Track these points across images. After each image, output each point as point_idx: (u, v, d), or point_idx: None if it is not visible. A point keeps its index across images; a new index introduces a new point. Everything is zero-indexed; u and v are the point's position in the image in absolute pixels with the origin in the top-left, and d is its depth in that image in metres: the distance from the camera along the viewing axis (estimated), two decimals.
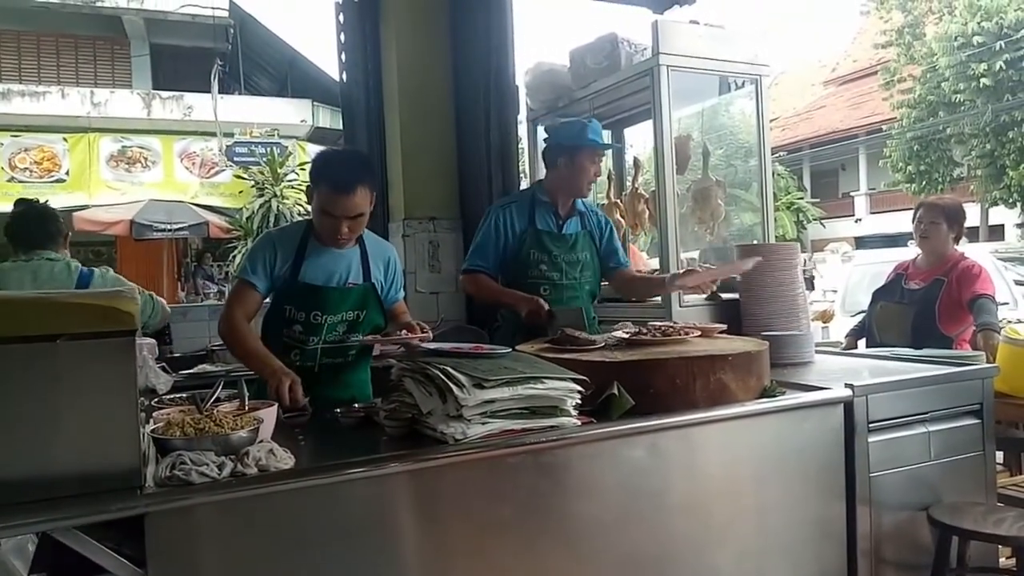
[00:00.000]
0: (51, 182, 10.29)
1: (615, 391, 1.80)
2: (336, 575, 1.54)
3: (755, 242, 3.54)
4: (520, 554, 1.71)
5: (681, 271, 2.80)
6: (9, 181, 10.07)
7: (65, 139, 10.40)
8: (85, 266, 2.91)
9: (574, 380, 1.76)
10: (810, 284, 10.04)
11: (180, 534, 1.42)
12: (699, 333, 2.22)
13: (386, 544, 1.59)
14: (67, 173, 10.36)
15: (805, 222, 22.52)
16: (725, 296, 3.16)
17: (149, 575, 1.37)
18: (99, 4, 11.32)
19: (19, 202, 3.06)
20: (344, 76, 4.43)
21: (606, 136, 4.61)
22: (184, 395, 2.00)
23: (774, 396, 2.00)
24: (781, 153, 22.76)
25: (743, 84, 3.69)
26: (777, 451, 1.98)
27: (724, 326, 2.40)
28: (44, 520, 1.30)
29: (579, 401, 1.76)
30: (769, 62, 3.59)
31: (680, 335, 2.13)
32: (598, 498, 1.77)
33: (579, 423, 1.75)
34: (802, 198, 23.25)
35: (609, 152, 4.66)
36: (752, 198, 3.93)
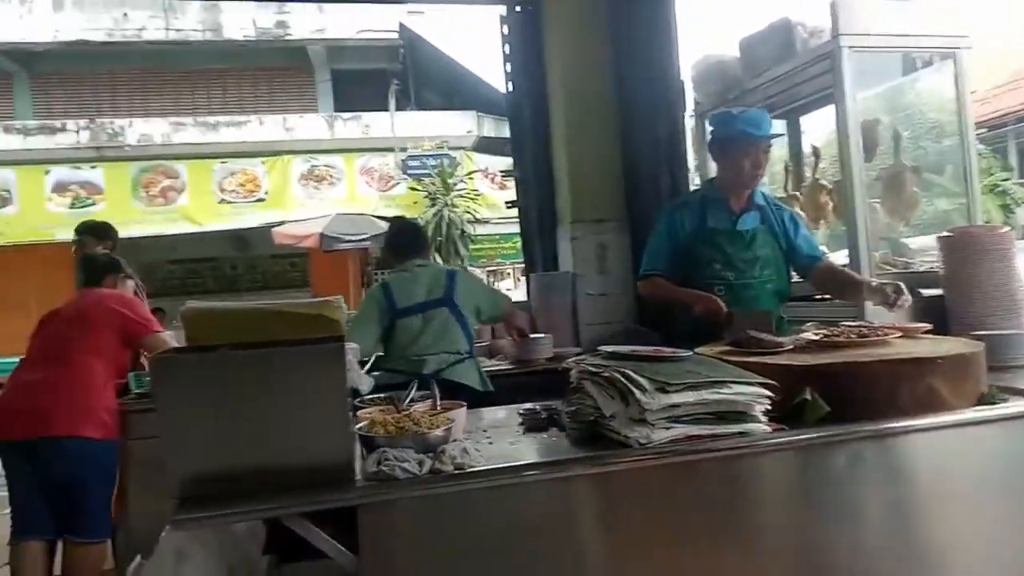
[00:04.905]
0: (253, 202, 11.47)
1: (808, 396, 1.71)
2: (520, 572, 1.59)
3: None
4: (704, 564, 1.66)
5: (875, 282, 2.55)
6: (220, 203, 11.37)
7: (263, 162, 11.55)
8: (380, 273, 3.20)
9: (763, 385, 1.69)
10: None
11: (386, 525, 1.53)
12: (900, 334, 2.04)
13: (569, 545, 1.61)
14: (266, 193, 11.50)
15: (1013, 206, 19.97)
16: (927, 292, 2.89)
17: (361, 561, 1.49)
18: (287, 37, 12.49)
19: (396, 219, 3.51)
20: (510, 86, 4.57)
21: (779, 126, 4.41)
22: (382, 395, 2.15)
23: (995, 403, 1.80)
24: (981, 130, 20.35)
25: (930, 60, 3.37)
26: (1000, 465, 1.78)
27: (929, 326, 2.20)
28: (276, 507, 1.46)
29: (769, 407, 1.69)
30: (967, 33, 3.25)
31: (879, 336, 1.98)
32: (790, 510, 1.69)
33: (769, 429, 1.68)
34: (1008, 179, 20.64)
35: (784, 142, 4.46)
36: (946, 182, 3.62)
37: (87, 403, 2.84)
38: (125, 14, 11.83)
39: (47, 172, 11.00)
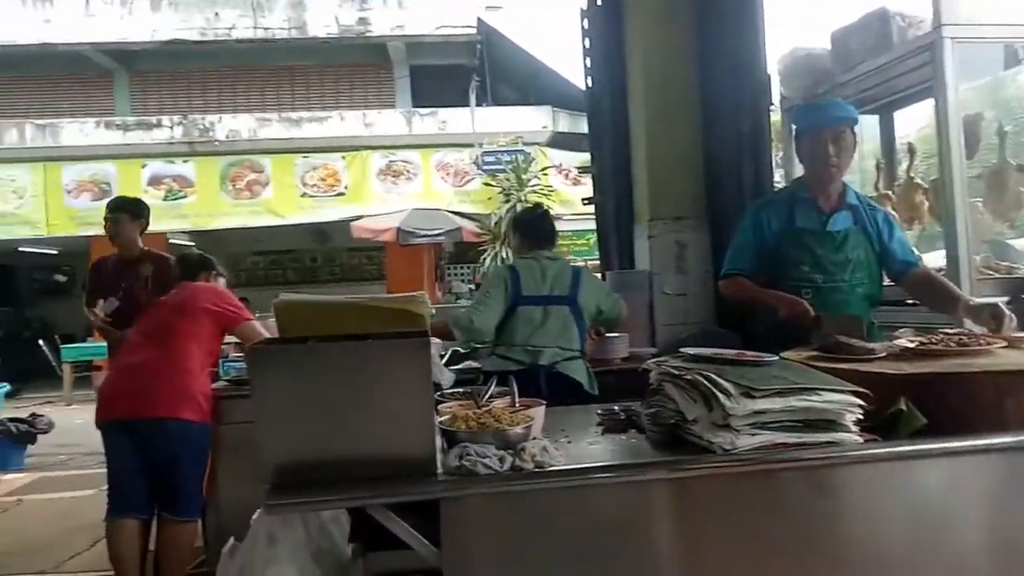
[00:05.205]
0: (333, 196, 11.79)
1: (903, 406, 1.64)
2: (597, 573, 1.58)
3: None
4: None
5: (974, 302, 2.41)
6: (302, 196, 11.74)
7: (343, 157, 11.86)
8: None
9: (855, 393, 1.62)
10: None
11: (467, 519, 1.55)
12: (1004, 344, 1.93)
13: (647, 549, 1.60)
14: (346, 187, 11.80)
15: None
16: None
17: (443, 554, 1.52)
18: (368, 34, 12.78)
19: (535, 206, 3.60)
20: (589, 80, 4.53)
21: (870, 121, 4.22)
22: (462, 390, 2.18)
23: None
24: None
25: None
26: None
27: None
28: (362, 497, 1.50)
29: (860, 416, 1.63)
30: None
31: (981, 345, 1.87)
32: (882, 525, 1.63)
33: (861, 440, 1.62)
34: None
35: (875, 138, 4.26)
36: None
37: (186, 387, 2.99)
38: (216, 13, 12.36)
39: (144, 166, 11.61)
